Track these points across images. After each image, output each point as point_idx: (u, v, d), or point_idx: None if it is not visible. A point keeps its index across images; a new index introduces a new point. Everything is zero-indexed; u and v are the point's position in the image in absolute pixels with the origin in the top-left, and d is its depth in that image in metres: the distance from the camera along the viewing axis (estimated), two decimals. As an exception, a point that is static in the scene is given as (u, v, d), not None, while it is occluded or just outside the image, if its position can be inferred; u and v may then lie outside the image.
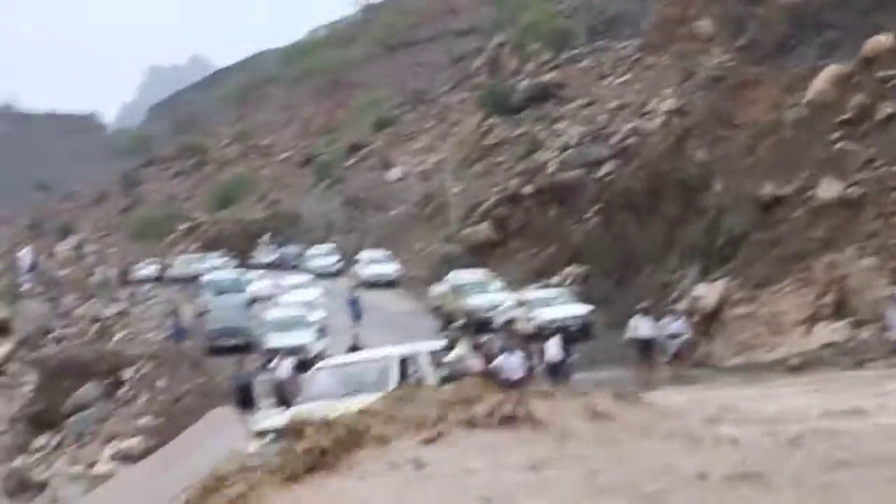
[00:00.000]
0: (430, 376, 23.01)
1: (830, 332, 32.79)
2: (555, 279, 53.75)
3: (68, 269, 76.07)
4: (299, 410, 19.49)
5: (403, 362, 23.79)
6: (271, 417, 23.95)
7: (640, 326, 33.17)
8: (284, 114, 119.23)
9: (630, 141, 58.60)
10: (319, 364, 27.13)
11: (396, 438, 14.86)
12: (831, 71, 39.10)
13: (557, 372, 29.98)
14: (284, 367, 32.82)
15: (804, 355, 31.47)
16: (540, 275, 56.28)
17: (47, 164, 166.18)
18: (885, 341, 30.48)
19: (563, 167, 62.94)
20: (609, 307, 45.43)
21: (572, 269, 54.22)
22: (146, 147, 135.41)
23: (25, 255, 70.82)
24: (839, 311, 33.13)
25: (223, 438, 29.69)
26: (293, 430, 16.78)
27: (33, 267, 68.27)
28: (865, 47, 38.12)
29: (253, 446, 21.59)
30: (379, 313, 53.22)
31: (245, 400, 31.89)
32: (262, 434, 22.33)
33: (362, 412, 15.72)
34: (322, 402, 20.89)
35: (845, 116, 37.31)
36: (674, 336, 33.45)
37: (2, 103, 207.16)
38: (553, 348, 31.40)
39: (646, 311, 34.18)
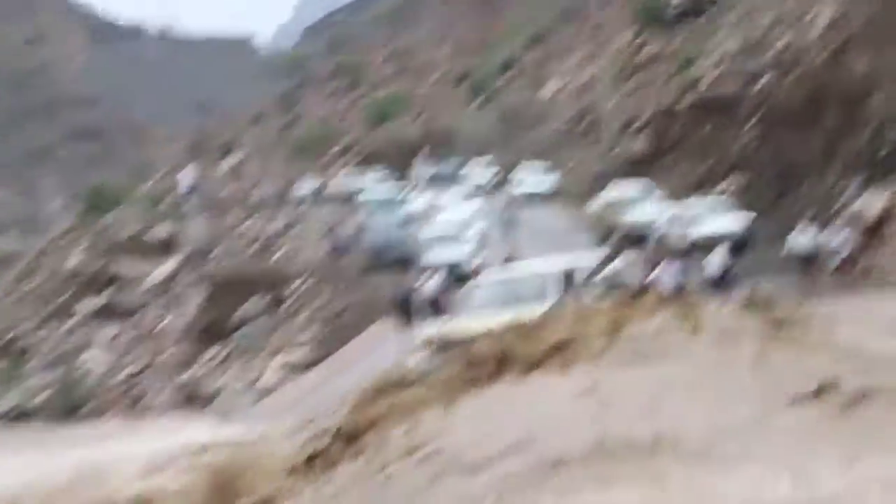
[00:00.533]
0: (590, 288, 22.99)
1: None
2: (712, 192, 53.40)
3: (229, 187, 77.58)
4: (460, 322, 19.80)
5: (563, 274, 23.77)
6: (432, 329, 24.26)
7: (801, 240, 32.97)
8: (438, 32, 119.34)
9: (787, 53, 57.48)
10: (479, 276, 27.40)
11: (563, 351, 14.98)
12: None
13: (720, 284, 29.89)
14: (439, 280, 33.29)
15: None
16: (697, 188, 55.85)
17: (206, 86, 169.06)
18: None
19: (718, 80, 62.07)
20: (768, 219, 45.05)
21: (730, 182, 53.79)
22: (302, 67, 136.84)
23: (188, 174, 72.36)
24: None
25: (385, 351, 30.35)
26: (455, 342, 17.16)
27: (196, 186, 69.77)
28: None
29: (415, 358, 21.98)
30: (535, 227, 53.42)
31: (405, 313, 32.38)
32: (423, 346, 22.68)
33: (525, 324, 15.84)
34: (482, 314, 21.05)
35: None
36: (835, 248, 33.20)
37: (161, 27, 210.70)
38: (715, 261, 31.34)
39: (807, 224, 33.93)
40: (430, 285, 32.47)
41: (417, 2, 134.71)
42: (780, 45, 59.51)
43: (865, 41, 43.32)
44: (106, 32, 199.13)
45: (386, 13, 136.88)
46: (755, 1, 71.98)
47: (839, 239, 33.39)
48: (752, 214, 44.81)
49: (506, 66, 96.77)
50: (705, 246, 35.88)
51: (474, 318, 20.91)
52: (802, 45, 55.96)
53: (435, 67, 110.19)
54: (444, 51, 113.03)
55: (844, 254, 33.15)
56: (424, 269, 39.76)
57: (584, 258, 27.02)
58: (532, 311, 16.61)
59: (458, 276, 36.72)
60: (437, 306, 30.78)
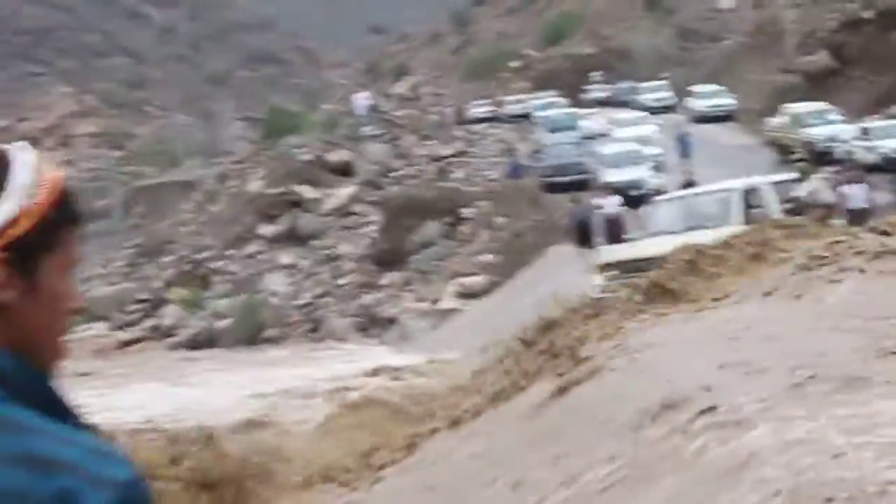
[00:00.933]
0: (775, 209, 22.34)
1: None
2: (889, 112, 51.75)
3: (405, 110, 77.82)
4: (641, 245, 19.56)
5: (747, 195, 23.18)
6: (614, 252, 23.97)
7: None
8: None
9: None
10: (659, 198, 27.00)
11: (756, 270, 14.59)
12: None
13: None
14: (613, 202, 32.94)
15: None
16: (881, 104, 54.19)
17: (380, 6, 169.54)
18: None
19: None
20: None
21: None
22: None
23: (363, 97, 72.84)
24: None
25: (564, 274, 30.17)
26: (636, 264, 16.92)
27: (372, 109, 70.18)
28: None
29: (595, 280, 21.77)
30: (712, 147, 52.44)
31: (583, 236, 32.13)
32: (604, 268, 22.42)
33: (716, 245, 15.43)
34: (663, 237, 20.73)
35: None
36: None
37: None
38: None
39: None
40: (608, 207, 32.08)
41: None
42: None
43: None
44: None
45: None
46: None
47: None
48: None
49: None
50: (889, 165, 34.74)
51: (656, 241, 20.61)
52: None
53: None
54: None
55: None
56: (602, 190, 39.34)
57: (772, 177, 26.31)
58: (715, 234, 16.23)
59: (637, 198, 36.29)
60: (615, 228, 30.44)
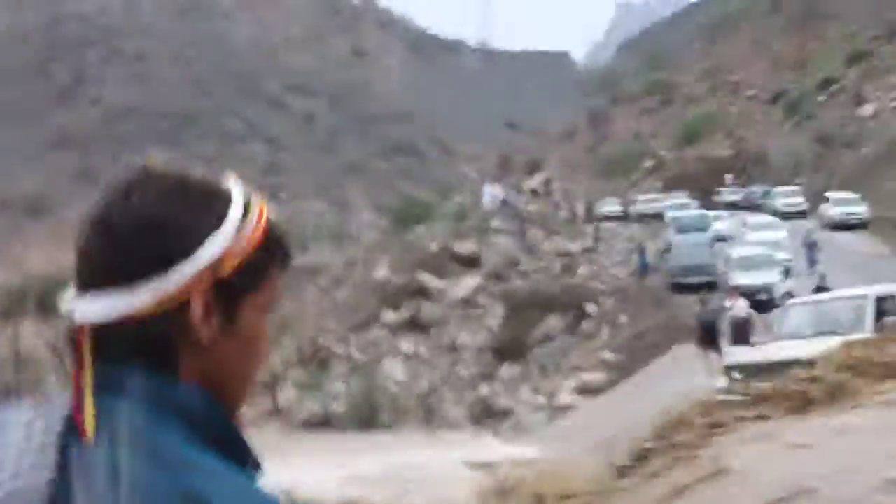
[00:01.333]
0: None
1: None
2: None
3: (535, 204, 77.65)
4: (774, 348, 19.09)
5: (881, 302, 22.44)
6: (743, 354, 23.31)
7: None
8: (755, 48, 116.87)
9: None
10: (791, 301, 26.31)
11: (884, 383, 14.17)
12: None
13: None
14: (741, 305, 32.14)
15: None
16: None
17: (517, 101, 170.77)
18: None
19: None
20: None
21: None
22: (614, 84, 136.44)
23: (494, 190, 72.82)
24: None
25: (686, 375, 29.48)
26: (767, 367, 16.37)
27: (503, 202, 70.08)
28: None
29: (721, 382, 21.14)
30: (845, 255, 51.27)
31: (708, 337, 31.40)
32: (731, 370, 21.77)
33: (843, 353, 15.02)
34: (794, 341, 20.27)
35: None
36: None
37: (477, 42, 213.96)
38: None
39: None
40: (736, 309, 31.29)
41: (736, 16, 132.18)
42: None
43: None
44: (426, 46, 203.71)
45: (703, 28, 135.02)
46: None
47: None
48: None
49: (823, 85, 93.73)
50: None
51: (786, 345, 20.08)
52: None
53: (749, 85, 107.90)
54: (759, 68, 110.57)
55: None
56: (731, 292, 38.47)
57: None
58: (848, 339, 15.87)
59: (765, 302, 35.41)
60: (742, 331, 29.65)
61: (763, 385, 15.53)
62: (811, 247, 49.55)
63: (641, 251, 55.46)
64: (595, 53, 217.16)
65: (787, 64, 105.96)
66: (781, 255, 47.72)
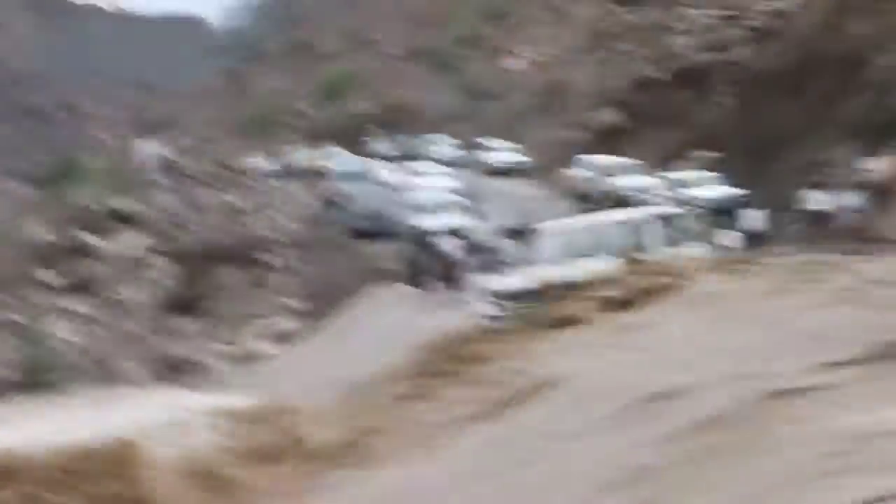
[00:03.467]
0: (660, 242, 22.69)
1: None
2: (688, 163, 52.96)
3: (189, 161, 76.03)
4: (544, 271, 19.40)
5: (636, 226, 23.53)
6: (510, 279, 23.53)
7: (815, 199, 32.42)
8: (394, 7, 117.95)
9: (767, 21, 56.94)
10: (543, 228, 26.87)
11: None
12: None
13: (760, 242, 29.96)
14: (452, 244, 32.50)
15: None
16: (670, 160, 55.37)
17: (153, 66, 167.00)
18: None
19: (695, 50, 61.44)
20: (751, 189, 44.47)
21: (706, 153, 53.23)
22: (252, 46, 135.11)
23: (150, 147, 70.97)
24: None
25: (396, 312, 29.50)
26: (542, 291, 16.58)
27: (161, 159, 68.33)
28: None
29: (489, 308, 21.28)
30: (509, 199, 52.66)
31: (418, 275, 31.56)
32: (501, 296, 21.88)
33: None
34: (555, 266, 20.81)
35: None
36: (848, 209, 32.70)
37: (111, 5, 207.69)
38: (752, 220, 31.27)
39: (817, 185, 33.39)
40: (447, 247, 31.61)
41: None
42: (757, 12, 58.99)
43: (863, 5, 42.79)
44: (56, 10, 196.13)
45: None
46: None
47: (850, 199, 32.87)
48: (737, 185, 44.23)
49: (465, 41, 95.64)
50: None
51: (554, 269, 20.52)
52: (782, 12, 55.50)
53: (390, 42, 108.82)
54: (399, 26, 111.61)
55: (857, 214, 32.69)
56: (421, 234, 38.76)
57: (658, 210, 26.90)
58: (605, 262, 16.70)
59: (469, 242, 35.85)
60: (451, 267, 29.98)
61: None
62: (479, 191, 50.69)
63: (316, 201, 55.16)
64: (231, 17, 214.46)
65: (428, 21, 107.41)
66: (453, 200, 48.43)
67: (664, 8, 71.60)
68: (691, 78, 59.15)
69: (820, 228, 32.66)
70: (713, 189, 42.88)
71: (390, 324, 26.41)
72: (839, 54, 42.76)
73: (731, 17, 61.61)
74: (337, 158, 68.56)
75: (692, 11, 67.66)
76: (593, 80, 68.74)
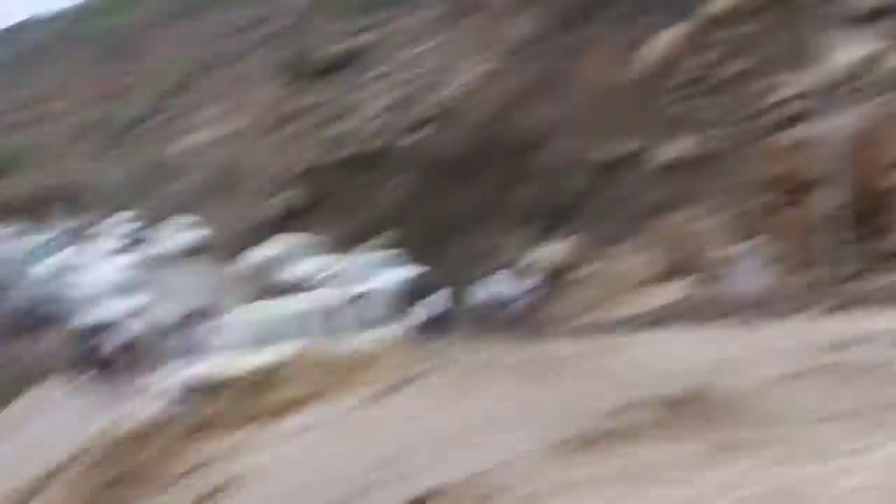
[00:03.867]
0: (348, 325, 22.63)
1: (678, 289, 33.05)
2: (370, 246, 53.33)
3: None
4: (215, 363, 18.84)
5: (327, 311, 23.47)
6: (192, 369, 22.68)
7: (491, 284, 32.88)
8: (66, 83, 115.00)
9: (444, 106, 58.19)
10: (231, 313, 26.27)
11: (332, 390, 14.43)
12: (672, 32, 39.41)
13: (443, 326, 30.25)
14: (126, 331, 31.39)
15: (654, 313, 31.67)
16: (352, 242, 55.61)
17: None
18: (731, 299, 30.84)
19: (374, 134, 62.26)
20: (432, 272, 44.91)
21: (387, 236, 53.73)
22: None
23: None
24: (685, 269, 33.39)
25: (64, 410, 28.23)
26: (210, 384, 15.98)
27: None
28: (708, 6, 38.53)
29: (152, 405, 20.37)
30: (190, 281, 51.57)
31: (93, 366, 30.20)
32: (186, 388, 21.06)
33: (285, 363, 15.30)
34: (235, 353, 20.31)
35: (687, 77, 37.63)
36: (517, 296, 33.34)
37: None
38: (434, 304, 31.47)
39: (493, 270, 33.96)
40: (120, 336, 30.45)
41: (51, 47, 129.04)
42: (435, 98, 60.25)
43: (535, 94, 44.12)
44: None
45: (20, 56, 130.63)
46: (406, 56, 72.74)
47: (522, 287, 33.51)
48: (418, 267, 44.59)
49: (142, 117, 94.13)
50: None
51: (227, 358, 19.93)
52: (459, 98, 56.83)
53: (70, 114, 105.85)
54: (80, 97, 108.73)
55: (527, 301, 33.35)
56: (90, 324, 37.18)
57: (345, 293, 26.86)
58: (287, 348, 16.60)
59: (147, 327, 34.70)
60: (130, 357, 28.90)
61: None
62: (156, 274, 49.38)
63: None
64: None
65: (103, 97, 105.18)
66: (128, 282, 47.04)
67: (342, 91, 72.50)
68: (370, 161, 59.82)
69: (496, 314, 33.13)
70: (395, 272, 42.96)
71: (58, 423, 25.16)
72: (512, 141, 43.90)
73: (407, 102, 62.81)
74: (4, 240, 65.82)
75: (369, 95, 68.71)
76: (274, 160, 68.61)
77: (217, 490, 11.06)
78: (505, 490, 7.49)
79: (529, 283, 33.94)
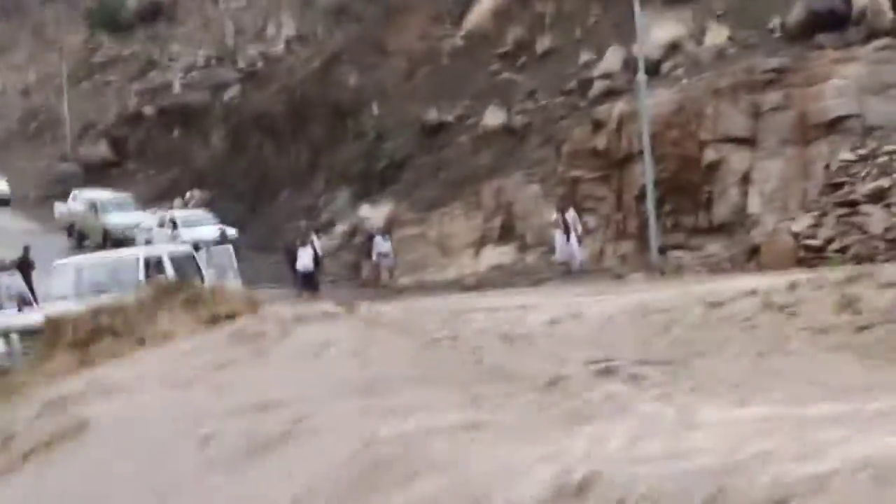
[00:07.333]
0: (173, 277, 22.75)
1: (499, 254, 34.00)
2: (178, 201, 53.12)
3: None
4: (52, 308, 18.86)
5: (148, 262, 23.52)
6: (12, 318, 22.51)
7: (305, 255, 33.00)
8: None
9: (259, 65, 58.00)
10: (59, 262, 26.06)
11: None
12: (488, 3, 40.18)
13: (309, 282, 30.60)
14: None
15: (476, 276, 32.59)
16: (162, 197, 55.27)
17: None
18: (550, 264, 31.96)
19: (186, 88, 61.67)
20: (246, 230, 44.93)
21: (198, 192, 53.52)
22: None
23: None
24: (506, 234, 34.35)
25: None
26: (49, 328, 16.02)
27: None
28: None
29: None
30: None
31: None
32: (8, 333, 21.01)
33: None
34: (68, 302, 20.36)
35: (505, 48, 38.51)
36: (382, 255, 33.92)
37: None
38: (306, 258, 31.72)
39: (315, 230, 34.40)
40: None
41: None
42: (249, 56, 59.98)
43: (352, 58, 44.47)
44: None
45: None
46: (215, 12, 71.87)
47: (384, 247, 33.99)
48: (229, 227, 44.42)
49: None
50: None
51: (62, 305, 19.96)
52: (273, 57, 56.70)
53: None
54: None
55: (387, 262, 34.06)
56: None
57: (169, 248, 26.86)
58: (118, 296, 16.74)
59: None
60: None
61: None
62: None
63: None
64: None
65: None
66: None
67: (155, 42, 71.38)
68: (183, 116, 59.26)
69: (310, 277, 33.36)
70: (209, 229, 42.73)
71: None
72: (332, 102, 44.21)
73: (222, 58, 62.37)
74: None
75: (183, 48, 67.90)
76: (81, 110, 67.27)
77: (61, 436, 11.09)
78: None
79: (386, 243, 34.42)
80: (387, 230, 35.02)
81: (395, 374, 10.02)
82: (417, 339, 11.94)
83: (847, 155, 27.06)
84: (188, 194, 54.09)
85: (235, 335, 13.45)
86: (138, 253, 24.85)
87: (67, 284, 23.39)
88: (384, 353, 11.30)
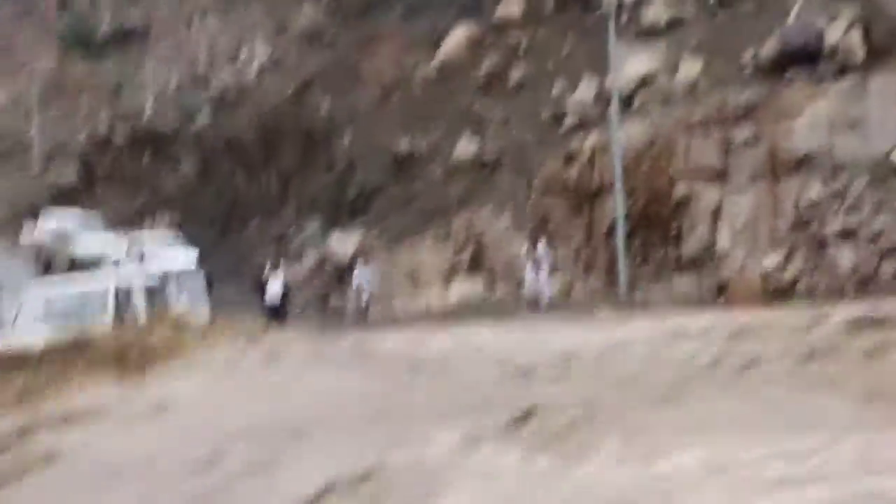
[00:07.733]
0: (143, 307, 22.50)
1: (468, 286, 33.82)
2: (148, 229, 52.73)
3: None
4: (13, 339, 18.70)
5: (119, 293, 23.25)
6: None
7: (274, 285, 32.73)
8: None
9: (231, 90, 57.74)
10: (30, 292, 25.72)
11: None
12: (462, 33, 40.10)
13: (277, 313, 30.29)
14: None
15: (445, 308, 32.38)
16: (131, 223, 54.86)
17: None
18: (520, 297, 31.76)
19: (157, 113, 61.32)
20: (213, 258, 44.61)
21: (166, 219, 53.21)
22: None
23: None
24: (476, 266, 34.17)
25: None
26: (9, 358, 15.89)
27: None
28: (500, 8, 39.36)
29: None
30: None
31: None
32: None
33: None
34: (35, 330, 20.15)
35: (478, 78, 38.41)
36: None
37: None
38: (275, 289, 31.44)
39: (284, 258, 34.11)
40: None
41: None
42: (221, 81, 59.74)
43: (325, 85, 44.29)
44: None
45: None
46: (188, 35, 71.49)
47: (365, 277, 33.72)
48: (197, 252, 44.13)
49: None
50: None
51: (27, 334, 19.79)
52: (246, 83, 56.52)
53: None
54: None
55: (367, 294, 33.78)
56: None
57: (140, 279, 26.54)
58: (92, 325, 16.69)
59: None
60: None
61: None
62: None
63: None
64: None
65: None
66: None
67: (127, 66, 70.96)
68: (153, 140, 58.92)
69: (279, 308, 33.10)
70: (177, 255, 42.45)
71: None
72: (304, 130, 44.02)
73: (194, 83, 62.06)
74: None
75: (155, 72, 67.50)
76: (50, 133, 66.85)
77: (42, 460, 11.07)
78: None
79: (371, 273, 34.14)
80: (366, 260, 34.74)
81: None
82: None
83: (817, 191, 27.02)
84: (156, 219, 53.79)
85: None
86: (108, 284, 24.44)
87: (36, 312, 23.11)
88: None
